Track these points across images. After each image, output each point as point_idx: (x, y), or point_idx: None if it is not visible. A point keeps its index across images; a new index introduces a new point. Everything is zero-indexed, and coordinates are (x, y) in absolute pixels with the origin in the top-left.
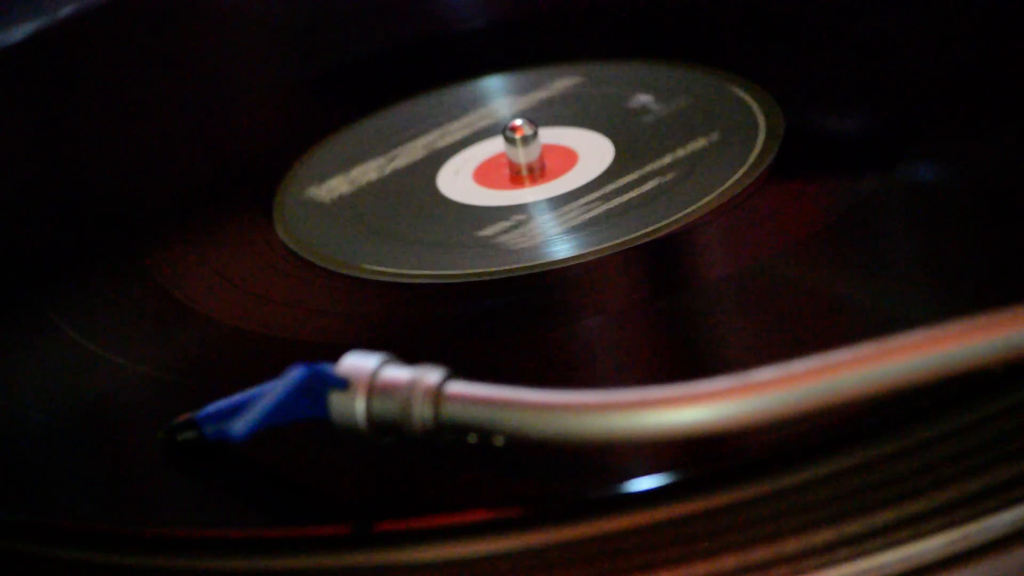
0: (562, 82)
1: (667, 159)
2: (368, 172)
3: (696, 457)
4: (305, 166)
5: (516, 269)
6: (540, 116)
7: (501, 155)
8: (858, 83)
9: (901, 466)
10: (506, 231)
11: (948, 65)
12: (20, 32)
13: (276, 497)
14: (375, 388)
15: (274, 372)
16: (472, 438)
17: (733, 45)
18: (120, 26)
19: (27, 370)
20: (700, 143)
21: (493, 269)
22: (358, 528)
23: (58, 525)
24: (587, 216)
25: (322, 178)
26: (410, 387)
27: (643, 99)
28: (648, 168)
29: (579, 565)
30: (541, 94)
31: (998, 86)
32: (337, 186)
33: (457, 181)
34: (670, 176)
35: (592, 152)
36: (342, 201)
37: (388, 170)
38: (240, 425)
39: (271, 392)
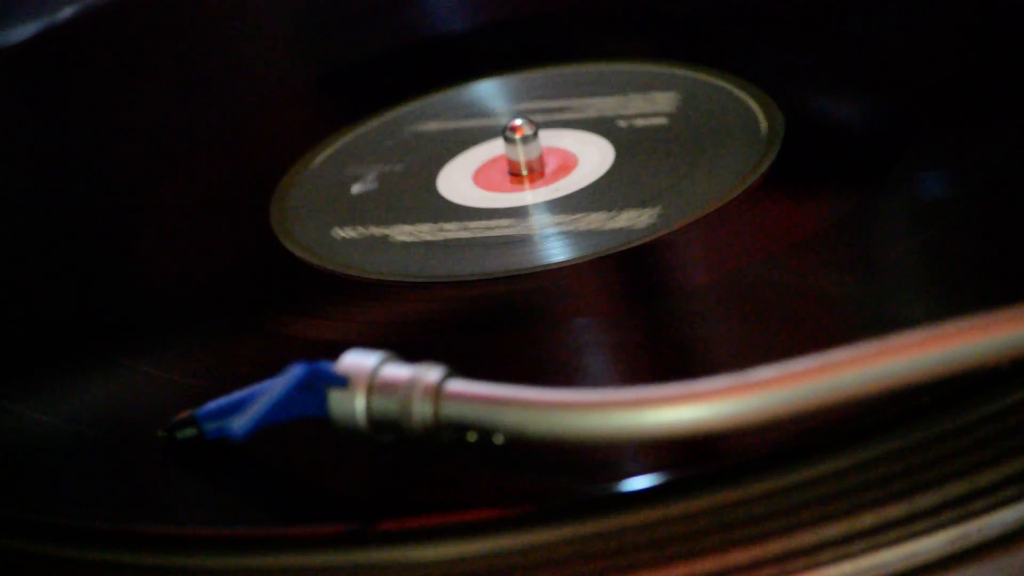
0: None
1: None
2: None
3: (695, 456)
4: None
5: (516, 270)
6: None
7: (500, 157)
8: (858, 84)
9: (900, 465)
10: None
11: (948, 66)
12: (21, 33)
13: (275, 495)
14: (375, 386)
15: (274, 371)
16: (471, 436)
17: (733, 46)
18: (121, 27)
19: (27, 369)
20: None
21: (493, 269)
22: (357, 527)
23: (57, 524)
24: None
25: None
26: (410, 385)
27: (365, 184)
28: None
29: (578, 563)
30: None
31: (999, 87)
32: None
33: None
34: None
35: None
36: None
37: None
38: (240, 423)
39: (271, 390)
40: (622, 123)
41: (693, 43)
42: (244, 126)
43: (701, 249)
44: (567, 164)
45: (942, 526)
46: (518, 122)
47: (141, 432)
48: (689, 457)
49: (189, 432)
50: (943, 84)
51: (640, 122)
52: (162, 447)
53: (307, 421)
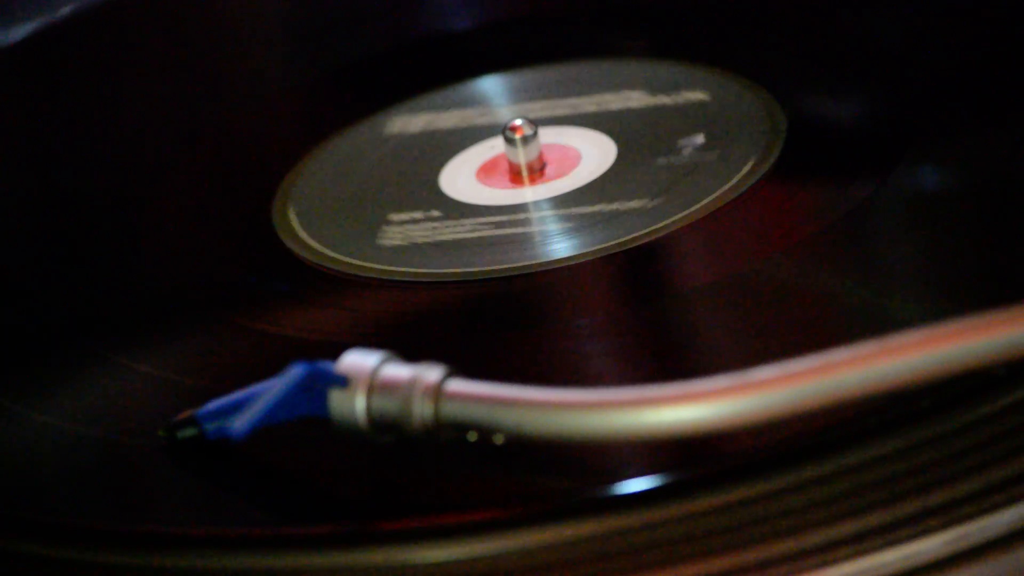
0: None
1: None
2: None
3: (696, 456)
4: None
5: (516, 268)
6: (542, 116)
7: (503, 154)
8: (859, 83)
9: (900, 465)
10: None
11: (949, 65)
12: (20, 32)
13: (276, 495)
14: (375, 386)
15: (274, 370)
16: (472, 436)
17: (733, 45)
18: (120, 26)
19: (27, 370)
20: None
21: (494, 268)
22: (357, 527)
23: (58, 524)
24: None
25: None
26: (410, 385)
27: (695, 140)
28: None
29: (579, 564)
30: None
31: (999, 86)
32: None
33: (459, 180)
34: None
35: (594, 152)
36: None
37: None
38: (240, 423)
39: (271, 390)
40: (623, 121)
41: (694, 42)
42: (245, 125)
43: (702, 248)
44: (569, 161)
45: (942, 527)
46: (518, 122)
47: (141, 432)
48: (688, 458)
49: (189, 432)
50: (943, 83)
51: (641, 120)
52: (162, 447)
53: (307, 421)
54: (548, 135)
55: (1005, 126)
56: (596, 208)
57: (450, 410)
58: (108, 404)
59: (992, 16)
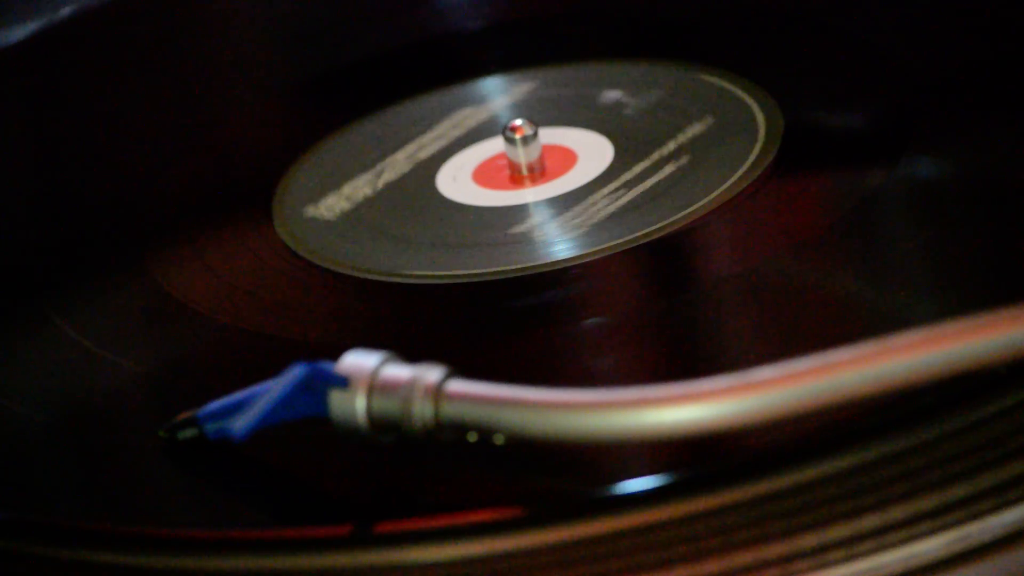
0: (562, 83)
1: (667, 159)
2: (365, 180)
3: (696, 457)
4: (305, 165)
5: (516, 269)
6: (539, 117)
7: (500, 156)
8: (858, 81)
9: (900, 467)
10: (505, 232)
11: (948, 62)
12: (20, 32)
13: (276, 496)
14: (375, 386)
15: (275, 371)
16: (472, 437)
17: (732, 45)
18: (120, 27)
19: (26, 369)
20: (699, 144)
21: (493, 269)
22: (358, 528)
23: (57, 524)
24: (587, 216)
25: (321, 189)
26: (410, 385)
27: (613, 95)
28: (648, 168)
29: (578, 565)
30: (537, 94)
31: (998, 83)
32: (335, 202)
33: (456, 182)
34: (670, 176)
35: (592, 152)
36: (342, 201)
37: (387, 172)
38: (240, 423)
39: (272, 390)
40: (620, 121)
41: (693, 42)
42: (244, 125)
43: (700, 249)
44: (566, 162)
45: (942, 528)
46: (518, 122)
47: (141, 432)
48: (689, 458)
49: (190, 432)
50: (944, 81)
51: (639, 121)
52: (163, 447)
53: (308, 421)
54: (545, 136)
55: (1005, 126)
56: (595, 208)
57: (450, 410)
58: (107, 404)
59: (992, 16)
